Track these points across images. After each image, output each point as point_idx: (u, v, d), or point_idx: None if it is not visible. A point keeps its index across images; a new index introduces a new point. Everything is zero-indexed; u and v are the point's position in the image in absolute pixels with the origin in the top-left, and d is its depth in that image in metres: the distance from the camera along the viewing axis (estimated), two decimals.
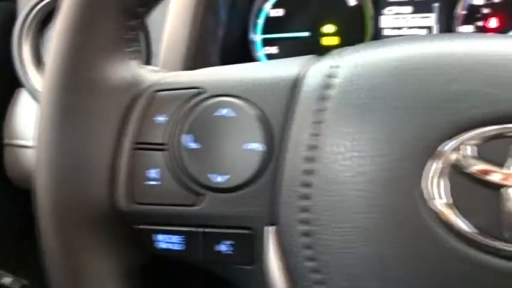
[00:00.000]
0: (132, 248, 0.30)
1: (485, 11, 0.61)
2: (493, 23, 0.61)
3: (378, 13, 0.64)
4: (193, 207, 0.28)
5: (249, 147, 0.27)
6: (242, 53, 0.67)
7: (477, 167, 0.23)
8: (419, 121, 0.24)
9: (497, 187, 0.23)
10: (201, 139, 0.28)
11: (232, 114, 0.28)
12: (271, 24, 0.66)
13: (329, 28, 0.64)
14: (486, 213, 0.23)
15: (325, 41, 0.65)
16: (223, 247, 0.28)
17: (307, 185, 0.26)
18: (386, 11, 0.64)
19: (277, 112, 0.27)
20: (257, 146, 0.27)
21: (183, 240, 0.29)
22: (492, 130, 0.23)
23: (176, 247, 0.29)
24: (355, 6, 0.63)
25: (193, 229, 0.29)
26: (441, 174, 0.24)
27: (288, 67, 0.29)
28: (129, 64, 0.30)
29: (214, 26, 0.55)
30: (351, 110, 0.26)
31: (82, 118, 0.29)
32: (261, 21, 0.65)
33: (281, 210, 0.27)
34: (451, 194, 0.23)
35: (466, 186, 0.23)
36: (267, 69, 0.30)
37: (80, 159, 0.28)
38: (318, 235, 0.26)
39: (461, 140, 0.23)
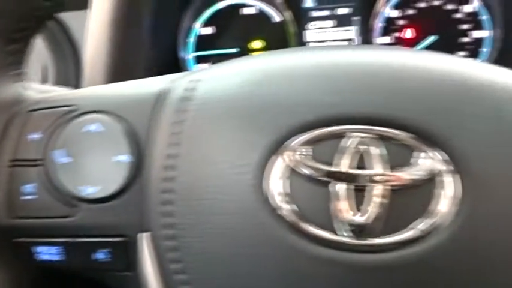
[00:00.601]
0: (15, 261, 0.31)
1: (401, 22, 0.65)
2: (409, 33, 0.64)
3: (302, 28, 0.67)
4: (69, 219, 0.30)
5: (117, 159, 0.29)
6: (174, 71, 0.69)
7: (310, 166, 0.25)
8: (262, 127, 0.26)
9: (326, 184, 0.25)
10: (72, 154, 0.30)
11: (101, 129, 0.29)
12: (202, 42, 0.68)
13: (257, 44, 0.67)
14: (319, 209, 0.25)
15: None
16: (101, 255, 0.30)
17: (169, 191, 0.27)
18: (310, 25, 0.67)
19: (143, 125, 0.29)
20: (125, 158, 0.29)
21: (62, 251, 0.30)
22: (323, 132, 0.25)
23: (56, 258, 0.30)
24: (279, 22, 0.66)
25: (70, 239, 0.30)
26: (281, 175, 0.26)
27: (156, 82, 0.31)
28: (10, 86, 0.32)
29: (137, 44, 0.57)
30: (208, 120, 0.28)
31: None
32: (192, 40, 0.68)
33: (149, 217, 0.28)
34: (290, 194, 0.25)
35: (302, 185, 0.25)
36: (137, 85, 0.32)
37: None
38: (182, 238, 0.27)
39: (297, 142, 0.26)
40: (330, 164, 0.25)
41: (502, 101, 0.25)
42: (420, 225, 0.24)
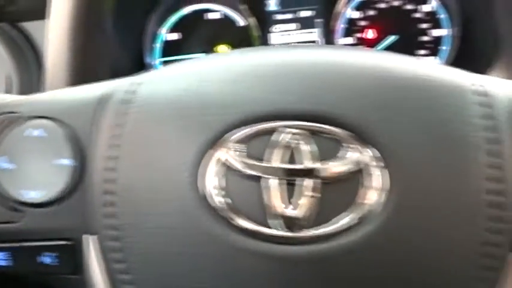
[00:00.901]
0: None
1: (362, 23, 0.66)
2: (370, 34, 0.66)
3: (266, 31, 0.67)
4: (14, 224, 0.30)
5: (60, 163, 0.29)
6: None
7: (243, 162, 0.26)
8: (197, 126, 0.27)
9: (258, 179, 0.25)
10: (15, 159, 0.30)
11: (43, 134, 0.30)
12: (168, 48, 0.69)
13: (222, 48, 0.68)
14: (253, 204, 0.25)
15: None
16: (48, 259, 0.30)
17: (110, 192, 0.28)
18: (274, 28, 0.68)
19: (85, 129, 0.30)
20: (68, 162, 0.29)
21: (9, 257, 0.30)
22: (256, 128, 0.26)
23: (3, 263, 0.30)
24: (243, 26, 0.67)
25: (16, 245, 0.30)
26: (216, 173, 0.26)
27: (99, 87, 0.31)
28: None
29: (100, 51, 0.57)
30: (147, 122, 0.28)
31: None
32: (158, 46, 0.68)
33: (92, 219, 0.29)
34: (225, 190, 0.26)
35: (236, 181, 0.26)
36: (80, 91, 0.32)
37: None
38: (125, 239, 0.28)
39: (231, 139, 0.26)
40: (262, 159, 0.26)
41: (429, 94, 0.26)
42: (350, 217, 0.25)
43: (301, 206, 0.25)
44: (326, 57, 0.28)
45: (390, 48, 0.65)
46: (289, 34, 0.68)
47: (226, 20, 0.68)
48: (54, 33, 0.53)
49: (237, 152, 0.26)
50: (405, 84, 0.26)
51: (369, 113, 0.26)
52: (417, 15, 0.65)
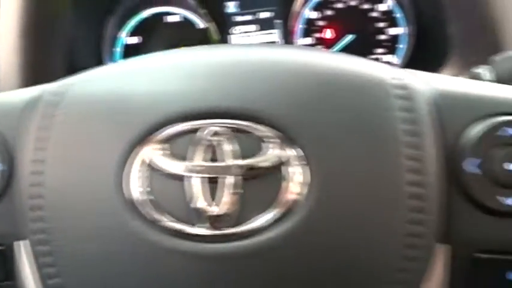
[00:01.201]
0: None
1: (320, 23, 0.66)
2: (329, 34, 0.66)
3: (226, 33, 0.68)
4: None
5: None
6: None
7: (167, 162, 0.26)
8: (121, 127, 0.27)
9: (181, 178, 0.25)
10: None
11: None
12: (129, 51, 0.68)
13: None
14: (177, 203, 0.25)
15: None
16: None
17: (38, 196, 0.28)
18: (234, 30, 0.68)
19: (13, 133, 0.29)
20: None
21: None
22: (179, 127, 0.26)
23: None
24: (203, 29, 0.67)
25: None
26: (140, 173, 0.26)
27: (29, 91, 0.31)
28: None
29: (53, 55, 0.56)
30: (74, 124, 0.28)
31: None
32: (118, 49, 0.68)
33: (22, 224, 0.28)
34: (149, 191, 0.26)
35: (160, 180, 0.26)
36: (9, 95, 0.32)
37: None
38: (54, 242, 0.27)
39: (155, 139, 0.26)
40: (185, 158, 0.26)
41: (350, 89, 0.27)
42: (273, 212, 0.25)
43: (224, 204, 0.25)
44: (249, 56, 0.28)
45: (348, 47, 0.66)
46: (249, 36, 0.68)
47: (186, 23, 0.68)
48: (4, 37, 0.52)
49: (161, 152, 0.26)
50: (327, 80, 0.27)
51: (291, 110, 0.26)
52: (374, 14, 0.66)
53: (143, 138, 0.26)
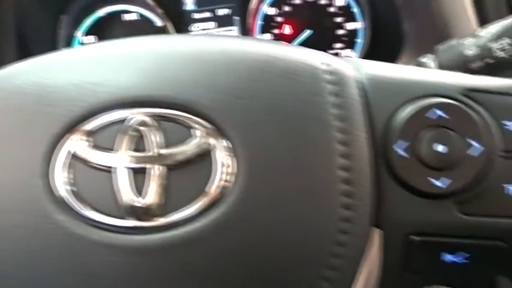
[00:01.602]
0: None
1: (279, 19, 0.66)
2: (287, 29, 0.66)
3: (185, 30, 0.67)
4: None
5: None
6: None
7: (92, 153, 0.25)
8: (46, 119, 0.26)
9: (107, 169, 0.25)
10: None
11: None
12: None
13: None
14: (103, 196, 0.25)
15: None
16: None
17: None
18: (192, 27, 0.67)
19: None
20: None
21: None
22: (104, 118, 0.25)
23: None
24: (161, 27, 0.67)
25: None
26: (65, 165, 0.25)
27: None
28: None
29: (6, 52, 0.55)
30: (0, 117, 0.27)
31: None
32: None
33: None
34: (74, 183, 0.25)
35: (86, 173, 0.25)
36: None
37: None
38: None
39: (80, 130, 0.25)
40: (111, 149, 0.25)
41: (279, 75, 0.26)
42: (200, 202, 0.24)
43: (150, 194, 0.24)
44: (179, 45, 0.28)
45: (307, 42, 0.66)
46: (209, 32, 0.67)
47: (144, 21, 0.67)
48: None
49: (86, 143, 0.25)
50: (256, 68, 0.26)
51: (219, 99, 0.25)
52: (331, 9, 0.66)
53: (69, 129, 0.25)
